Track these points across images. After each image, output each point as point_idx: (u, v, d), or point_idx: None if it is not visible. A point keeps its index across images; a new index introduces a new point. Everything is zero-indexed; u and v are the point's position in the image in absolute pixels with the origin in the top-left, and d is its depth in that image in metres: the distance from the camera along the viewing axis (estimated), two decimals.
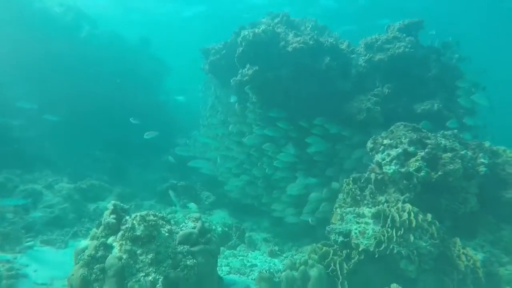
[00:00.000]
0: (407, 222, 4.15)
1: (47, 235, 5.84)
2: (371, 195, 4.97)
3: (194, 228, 4.15)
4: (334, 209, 5.37)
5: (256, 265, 5.28)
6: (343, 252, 4.46)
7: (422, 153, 4.59)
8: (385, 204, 4.64)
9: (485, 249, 4.48)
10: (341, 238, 4.61)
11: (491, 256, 4.39)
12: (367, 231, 4.36)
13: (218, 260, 5.45)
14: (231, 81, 7.06)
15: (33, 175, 7.93)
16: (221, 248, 6.33)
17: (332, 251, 4.43)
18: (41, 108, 8.41)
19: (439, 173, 4.45)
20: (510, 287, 4.09)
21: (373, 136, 5.26)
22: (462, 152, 4.77)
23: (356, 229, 4.51)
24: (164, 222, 4.08)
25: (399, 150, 4.73)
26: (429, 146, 4.65)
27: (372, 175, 5.08)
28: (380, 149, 5.01)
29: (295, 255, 5.56)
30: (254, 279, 4.59)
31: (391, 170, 4.62)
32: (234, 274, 4.76)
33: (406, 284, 4.20)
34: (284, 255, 5.95)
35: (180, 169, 10.23)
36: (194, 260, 3.70)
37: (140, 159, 10.63)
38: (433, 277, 4.19)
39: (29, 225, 5.90)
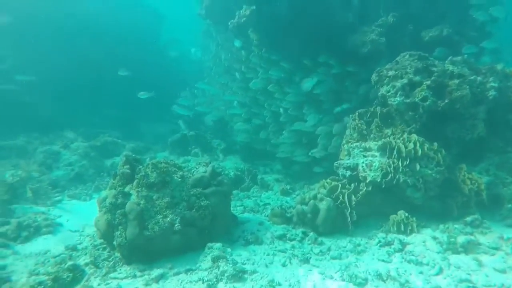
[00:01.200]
0: (413, 152, 4.21)
1: (72, 190, 6.24)
2: (377, 129, 4.99)
3: (205, 172, 4.34)
4: (342, 145, 5.46)
5: (269, 204, 5.56)
6: (351, 185, 4.62)
7: (428, 82, 4.48)
8: (391, 136, 4.68)
9: (490, 172, 4.57)
10: (348, 172, 4.75)
11: (495, 178, 4.48)
12: (374, 164, 4.46)
13: (233, 201, 5.80)
14: (229, 24, 6.80)
15: (49, 137, 8.21)
16: (235, 191, 6.67)
17: (340, 185, 4.60)
18: (47, 72, 8.44)
19: (446, 101, 4.39)
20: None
21: (378, 69, 5.12)
22: (471, 78, 4.63)
23: (363, 162, 4.62)
24: (176, 169, 4.27)
25: (404, 80, 4.62)
26: (435, 74, 4.52)
27: (378, 109, 5.05)
28: (385, 82, 4.91)
29: (306, 192, 5.80)
30: (267, 216, 4.89)
31: (396, 102, 4.57)
32: (249, 212, 5.05)
33: (413, 210, 4.41)
34: (296, 192, 6.21)
35: (189, 121, 10.38)
36: (207, 201, 3.93)
37: (149, 114, 10.75)
38: (438, 202, 4.36)
39: (54, 182, 6.28)
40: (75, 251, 4.00)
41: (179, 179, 4.08)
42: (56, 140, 8.04)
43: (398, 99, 4.55)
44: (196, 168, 4.48)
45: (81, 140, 8.07)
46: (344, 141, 5.40)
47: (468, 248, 3.58)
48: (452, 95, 4.36)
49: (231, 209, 4.89)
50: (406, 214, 4.19)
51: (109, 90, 10.35)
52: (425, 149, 4.25)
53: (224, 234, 4.17)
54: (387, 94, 4.72)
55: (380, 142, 4.50)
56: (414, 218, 4.12)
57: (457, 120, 4.61)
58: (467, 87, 4.37)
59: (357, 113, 5.32)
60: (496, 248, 3.58)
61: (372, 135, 4.97)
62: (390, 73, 4.90)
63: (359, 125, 5.15)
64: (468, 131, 4.54)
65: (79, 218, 5.16)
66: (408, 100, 4.48)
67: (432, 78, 4.48)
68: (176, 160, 8.31)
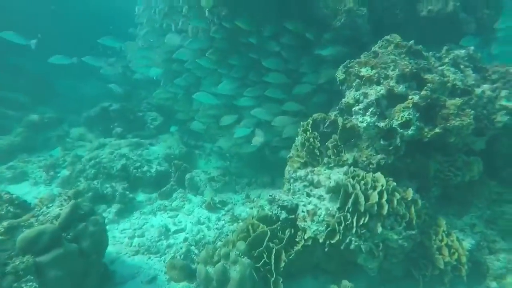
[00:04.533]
0: (376, 207, 2.80)
1: None
2: (335, 149, 3.48)
3: (56, 217, 2.76)
4: (288, 158, 3.97)
5: (183, 230, 4.15)
6: (285, 232, 3.25)
7: (416, 98, 2.91)
8: (350, 169, 3.20)
9: (476, 229, 3.28)
10: (284, 214, 3.34)
11: (482, 239, 3.23)
12: (319, 212, 3.05)
13: (135, 219, 4.34)
14: None
15: None
16: (153, 194, 5.19)
17: (269, 233, 3.21)
18: None
19: (437, 130, 2.89)
20: (497, 284, 3.06)
21: (346, 62, 3.46)
22: (477, 93, 3.10)
23: (304, 205, 3.19)
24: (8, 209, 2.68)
25: (381, 90, 3.02)
26: (428, 86, 2.94)
27: (340, 121, 3.49)
28: (354, 84, 3.28)
29: (228, 222, 4.41)
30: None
31: (365, 124, 3.01)
32: (144, 254, 3.61)
33: (363, 278, 3.16)
34: (226, 208, 4.80)
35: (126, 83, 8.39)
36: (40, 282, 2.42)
37: (72, 68, 8.55)
38: (400, 269, 3.11)
39: None
40: None
41: (1, 237, 2.50)
42: None
43: (368, 119, 2.98)
44: (47, 208, 2.88)
45: None
46: (290, 153, 3.90)
47: None
48: (448, 122, 2.85)
49: (119, 242, 3.45)
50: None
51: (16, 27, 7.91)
52: (395, 202, 2.84)
53: None
54: (354, 108, 3.13)
55: (332, 183, 3.02)
56: None
57: (445, 154, 3.18)
58: (472, 112, 2.86)
59: (310, 120, 3.74)
60: None
61: (326, 159, 3.46)
62: (364, 71, 3.25)
63: (311, 140, 3.60)
64: (458, 173, 3.14)
65: None
66: (382, 124, 2.93)
67: (423, 92, 2.90)
68: (94, 140, 6.63)
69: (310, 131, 3.67)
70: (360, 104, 3.03)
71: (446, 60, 3.35)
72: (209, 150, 6.99)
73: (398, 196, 2.85)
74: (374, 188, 2.89)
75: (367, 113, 2.97)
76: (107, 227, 3.38)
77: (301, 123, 3.77)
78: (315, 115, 3.79)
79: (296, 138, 3.81)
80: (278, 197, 3.43)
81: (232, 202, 5.03)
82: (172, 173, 5.56)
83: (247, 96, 4.87)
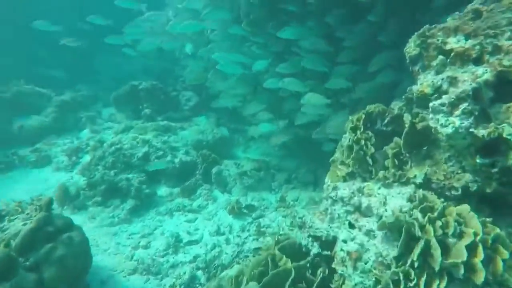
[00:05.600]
0: (464, 268, 1.71)
1: None
2: (397, 159, 2.38)
3: (16, 235, 2.18)
4: (330, 162, 2.97)
5: (197, 242, 3.45)
6: (317, 273, 2.34)
7: None
8: (419, 193, 2.10)
9: None
10: (316, 248, 2.41)
11: None
12: (366, 256, 2.06)
13: (146, 221, 3.75)
14: None
15: None
16: (174, 191, 4.57)
17: (293, 272, 2.32)
18: None
19: None
20: None
21: (424, 28, 2.26)
22: None
23: (345, 241, 2.21)
24: None
25: (484, 73, 1.82)
26: None
27: (406, 117, 2.36)
28: (435, 63, 2.11)
29: (253, 234, 3.57)
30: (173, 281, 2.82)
31: (451, 129, 1.86)
32: (141, 273, 2.97)
33: None
34: (254, 214, 3.98)
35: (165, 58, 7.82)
36: None
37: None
38: None
39: None
40: None
41: None
42: None
43: (457, 121, 1.83)
44: (9, 222, 2.32)
45: None
46: (333, 157, 2.88)
47: None
48: None
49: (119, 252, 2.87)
50: None
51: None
52: (498, 266, 1.72)
53: None
54: (433, 102, 1.98)
55: (387, 216, 1.98)
56: None
57: None
58: None
59: (363, 114, 2.64)
60: None
61: (381, 172, 2.39)
62: (453, 42, 2.06)
63: (362, 142, 2.52)
64: None
65: None
66: (482, 132, 1.76)
67: None
68: (122, 122, 6.16)
69: (362, 129, 2.59)
70: (443, 97, 1.88)
71: None
72: (250, 135, 6.17)
73: (505, 253, 1.72)
74: (461, 235, 1.79)
75: (456, 112, 1.82)
76: (117, 227, 2.80)
77: (350, 117, 2.69)
78: (370, 107, 2.68)
79: (344, 136, 2.76)
80: (310, 222, 2.49)
81: (262, 207, 4.19)
82: (199, 165, 4.88)
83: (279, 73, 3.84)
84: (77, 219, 3.23)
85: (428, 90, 2.10)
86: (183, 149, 5.13)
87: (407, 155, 2.35)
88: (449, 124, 1.82)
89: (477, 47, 1.91)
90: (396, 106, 2.65)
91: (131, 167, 4.61)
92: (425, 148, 2.28)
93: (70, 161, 4.94)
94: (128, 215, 3.89)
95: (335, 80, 3.63)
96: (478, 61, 1.93)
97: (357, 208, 2.29)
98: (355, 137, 2.56)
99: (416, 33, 2.26)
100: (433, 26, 2.26)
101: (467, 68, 1.94)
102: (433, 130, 1.95)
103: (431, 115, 1.94)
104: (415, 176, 2.26)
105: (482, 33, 1.99)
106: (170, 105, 6.39)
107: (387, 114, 2.64)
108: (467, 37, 2.07)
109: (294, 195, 4.47)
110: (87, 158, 5.00)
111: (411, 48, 2.28)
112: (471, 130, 1.75)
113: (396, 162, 2.37)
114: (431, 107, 1.92)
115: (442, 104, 1.86)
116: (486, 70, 1.81)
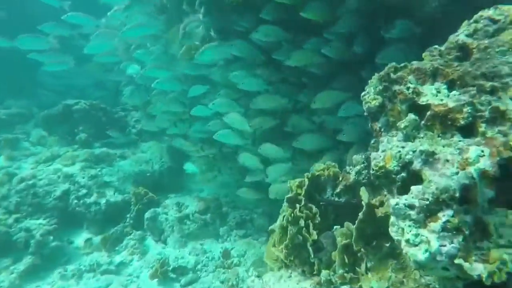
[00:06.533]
0: None
1: None
2: (347, 256, 1.62)
3: None
4: (269, 232, 2.19)
5: None
6: None
7: None
8: None
9: None
10: None
11: None
12: None
13: None
14: None
15: None
16: (95, 240, 3.70)
17: None
18: None
19: None
20: None
21: (388, 67, 1.52)
22: None
23: None
24: None
25: (481, 156, 1.09)
26: None
27: (364, 194, 1.61)
28: (403, 125, 1.37)
29: None
30: None
31: (423, 255, 1.09)
32: None
33: None
34: (183, 280, 3.15)
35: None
36: None
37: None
38: None
39: None
40: None
41: None
42: None
43: (436, 243, 1.07)
44: None
45: None
46: (269, 240, 2.11)
47: None
48: None
49: None
50: None
51: None
52: None
53: None
54: (395, 200, 1.24)
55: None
56: None
57: None
58: None
59: (306, 179, 1.89)
60: None
61: (324, 275, 1.62)
62: (428, 94, 1.33)
63: (301, 224, 1.75)
64: None
65: None
66: (477, 270, 1.01)
67: None
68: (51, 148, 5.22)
69: (303, 202, 1.83)
70: (413, 192, 1.14)
71: None
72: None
73: None
74: None
75: (433, 224, 1.07)
76: None
77: (289, 183, 1.93)
78: (317, 168, 1.93)
79: (280, 215, 2.00)
80: None
81: (199, 264, 3.38)
82: (132, 206, 4.03)
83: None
84: None
85: (391, 165, 1.35)
86: (115, 185, 4.26)
87: (362, 250, 1.60)
88: (420, 243, 1.06)
89: (467, 108, 1.18)
90: (354, 168, 1.91)
91: (43, 210, 3.72)
92: (387, 244, 1.54)
93: None
94: (18, 279, 3.00)
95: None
96: (468, 131, 1.20)
97: None
98: (292, 215, 1.80)
99: (376, 75, 1.53)
100: (403, 64, 1.53)
101: (451, 140, 1.21)
102: (395, 241, 1.19)
103: (392, 218, 1.19)
104: (370, 284, 1.52)
105: (472, 83, 1.27)
106: (115, 127, 5.52)
107: (340, 179, 1.91)
108: (451, 85, 1.35)
109: (241, 248, 3.68)
110: None
111: (370, 96, 1.54)
112: (457, 261, 1.00)
113: (346, 259, 1.62)
114: (393, 206, 1.17)
115: (411, 206, 1.11)
116: (482, 152, 1.07)
